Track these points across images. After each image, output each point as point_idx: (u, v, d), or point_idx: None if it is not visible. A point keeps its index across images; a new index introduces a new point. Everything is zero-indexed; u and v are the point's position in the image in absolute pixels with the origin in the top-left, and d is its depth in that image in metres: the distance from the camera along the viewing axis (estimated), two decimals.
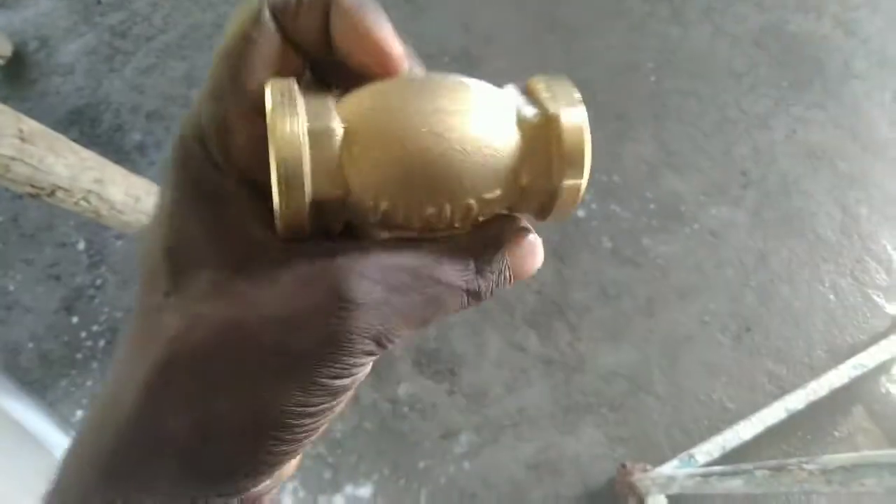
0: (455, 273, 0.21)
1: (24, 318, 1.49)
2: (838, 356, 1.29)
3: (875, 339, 1.30)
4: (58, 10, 1.81)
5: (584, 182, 0.22)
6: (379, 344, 0.20)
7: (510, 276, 0.23)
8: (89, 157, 0.95)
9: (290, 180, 0.19)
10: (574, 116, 0.21)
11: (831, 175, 1.47)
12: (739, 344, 1.33)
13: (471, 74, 0.22)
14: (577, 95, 0.22)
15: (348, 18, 0.21)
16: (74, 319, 1.48)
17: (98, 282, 1.50)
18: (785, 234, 1.42)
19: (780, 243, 1.41)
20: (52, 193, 0.91)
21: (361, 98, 0.21)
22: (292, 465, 0.24)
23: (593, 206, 1.45)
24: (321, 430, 0.21)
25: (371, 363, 0.21)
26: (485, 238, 0.22)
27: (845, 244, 1.40)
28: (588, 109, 0.22)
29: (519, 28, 1.65)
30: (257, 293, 0.19)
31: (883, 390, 1.29)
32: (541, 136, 0.21)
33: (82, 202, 0.94)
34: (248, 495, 0.21)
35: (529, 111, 0.22)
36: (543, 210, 0.23)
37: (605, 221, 1.44)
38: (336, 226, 0.22)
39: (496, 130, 0.21)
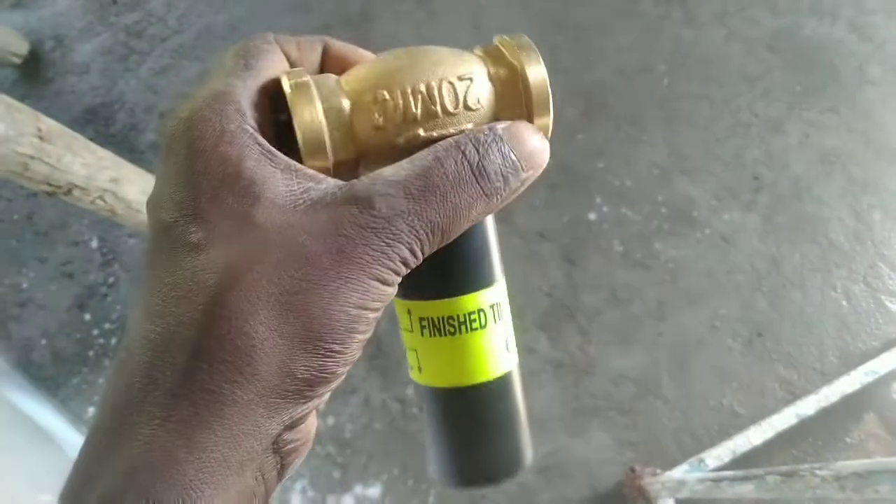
0: (455, 162, 0.23)
1: (37, 316, 1.51)
2: (850, 362, 1.28)
3: (888, 345, 1.29)
4: (74, 10, 1.82)
5: (551, 119, 0.27)
6: (412, 252, 0.22)
7: (517, 160, 0.24)
8: (106, 156, 0.96)
9: (315, 154, 0.24)
10: (538, 73, 0.26)
11: (844, 180, 1.46)
12: (750, 349, 1.33)
13: None
14: (536, 53, 0.26)
15: (340, 54, 0.28)
16: (87, 317, 1.49)
17: (111, 280, 1.52)
18: (797, 239, 1.41)
19: (793, 248, 1.40)
20: (68, 192, 0.91)
21: (358, 71, 0.26)
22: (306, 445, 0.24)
23: (604, 209, 1.45)
24: (364, 340, 0.22)
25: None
26: (476, 130, 0.24)
27: (858, 250, 1.39)
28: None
29: (529, 29, 1.64)
30: (297, 217, 0.21)
31: (895, 397, 1.28)
32: (512, 88, 0.26)
33: (98, 201, 0.95)
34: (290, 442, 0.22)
35: (501, 70, 0.26)
36: None
37: (616, 225, 1.44)
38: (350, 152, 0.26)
39: (471, 76, 0.26)
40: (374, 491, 1.26)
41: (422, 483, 1.26)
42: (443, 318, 0.27)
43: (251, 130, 0.23)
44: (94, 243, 1.55)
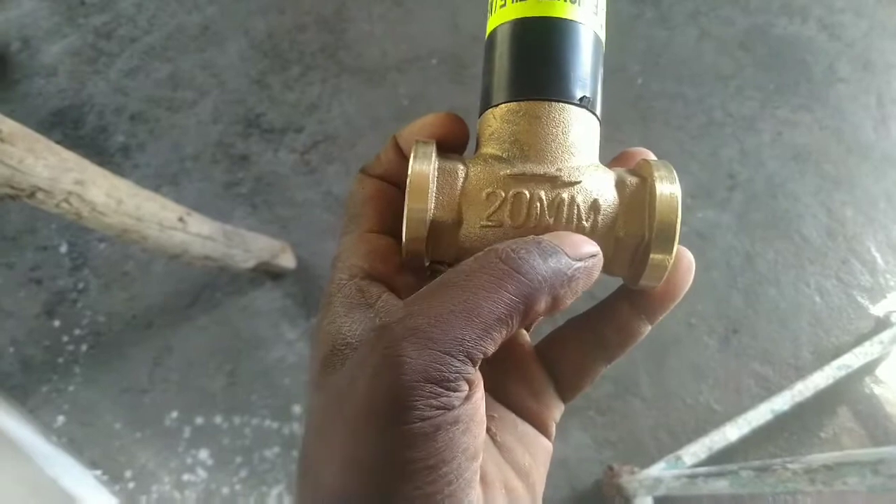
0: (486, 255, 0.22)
1: (5, 323, 1.47)
2: (824, 357, 1.30)
3: (859, 340, 1.31)
4: (40, 11, 1.79)
5: (672, 255, 0.25)
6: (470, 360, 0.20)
7: (558, 245, 0.23)
8: (70, 157, 0.93)
9: (415, 204, 0.23)
10: (669, 188, 0.24)
11: (817, 177, 1.47)
12: (726, 346, 1.33)
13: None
14: (675, 174, 0.25)
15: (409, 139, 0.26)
16: (56, 323, 1.46)
17: (80, 285, 1.49)
18: (771, 236, 1.42)
19: (767, 245, 1.41)
20: (32, 195, 0.89)
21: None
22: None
23: None
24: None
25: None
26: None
27: (830, 246, 1.41)
28: None
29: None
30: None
31: (867, 391, 1.30)
32: (638, 198, 0.25)
33: (63, 204, 0.93)
34: None
35: (631, 178, 0.25)
36: (635, 268, 0.26)
37: None
38: (449, 253, 0.25)
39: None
40: None
41: None
42: None
43: (345, 280, 0.24)
44: (64, 248, 1.52)
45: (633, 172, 0.26)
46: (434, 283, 0.21)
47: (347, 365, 0.21)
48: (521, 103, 0.25)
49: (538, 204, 0.24)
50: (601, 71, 0.27)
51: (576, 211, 0.24)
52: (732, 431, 1.17)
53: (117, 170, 1.11)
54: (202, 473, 1.32)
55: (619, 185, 0.25)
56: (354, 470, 0.20)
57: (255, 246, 1.30)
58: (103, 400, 1.39)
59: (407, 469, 0.19)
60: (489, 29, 0.27)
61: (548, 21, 0.25)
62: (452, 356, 0.19)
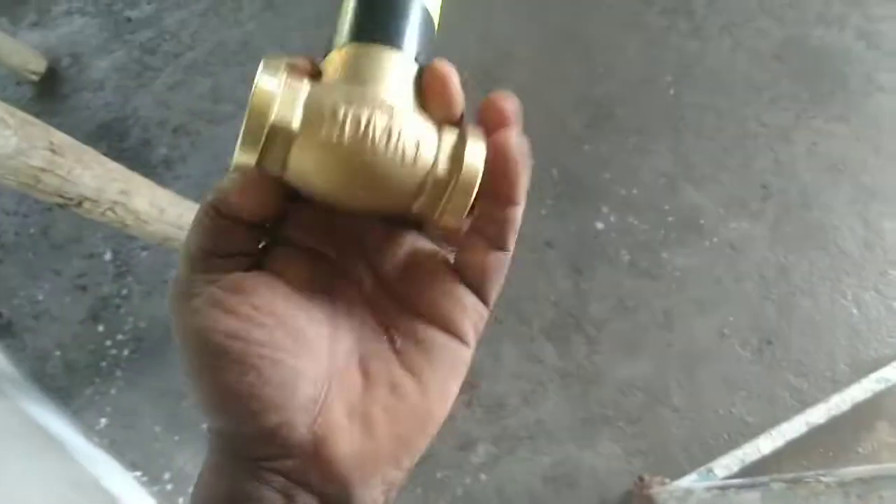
0: None
1: (51, 327, 1.53)
2: (861, 370, 1.27)
3: None
4: (90, 28, 1.86)
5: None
6: None
7: None
8: (115, 168, 0.98)
9: (257, 108, 0.25)
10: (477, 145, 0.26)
11: (853, 188, 1.45)
12: (760, 357, 1.32)
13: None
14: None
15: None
16: (100, 328, 1.51)
17: (124, 292, 1.54)
18: (806, 247, 1.40)
19: (801, 256, 1.39)
20: (79, 204, 0.93)
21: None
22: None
23: (612, 218, 1.45)
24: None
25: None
26: None
27: (868, 257, 1.38)
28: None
29: (537, 42, 1.66)
30: None
31: None
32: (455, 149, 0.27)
33: (108, 212, 0.97)
34: None
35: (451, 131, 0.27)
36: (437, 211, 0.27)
37: (623, 234, 1.44)
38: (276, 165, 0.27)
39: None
40: None
41: (430, 493, 1.26)
42: None
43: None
44: (108, 256, 1.58)
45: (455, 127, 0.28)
46: None
47: None
48: (365, 45, 0.28)
49: (373, 127, 0.25)
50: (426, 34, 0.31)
51: (403, 144, 0.26)
52: (766, 444, 1.15)
53: (160, 181, 1.15)
54: None
55: (442, 132, 0.27)
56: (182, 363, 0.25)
57: None
58: (144, 403, 1.44)
59: (191, 345, 0.24)
60: None
61: None
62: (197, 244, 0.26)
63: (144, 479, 1.37)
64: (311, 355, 0.25)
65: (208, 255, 0.26)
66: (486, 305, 0.28)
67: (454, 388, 0.28)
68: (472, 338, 0.28)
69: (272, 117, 0.25)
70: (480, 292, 0.28)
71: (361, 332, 0.27)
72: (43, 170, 0.84)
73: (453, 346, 0.27)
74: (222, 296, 0.24)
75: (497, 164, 0.26)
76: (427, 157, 0.26)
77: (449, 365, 0.27)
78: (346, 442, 0.24)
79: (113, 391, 1.46)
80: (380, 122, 0.25)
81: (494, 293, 0.28)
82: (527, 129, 0.27)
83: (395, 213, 0.27)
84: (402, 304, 0.28)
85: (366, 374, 0.26)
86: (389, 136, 0.25)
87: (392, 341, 0.27)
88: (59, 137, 0.88)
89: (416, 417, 0.26)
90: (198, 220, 0.26)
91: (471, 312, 0.28)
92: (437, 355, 0.27)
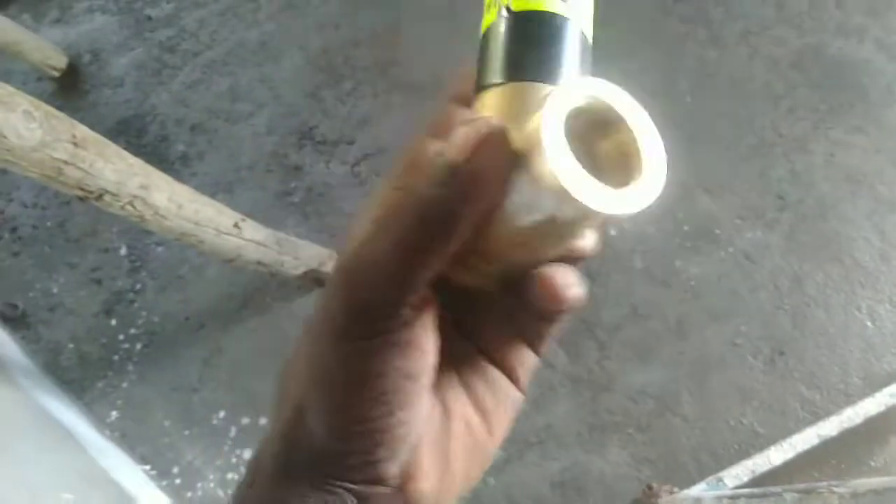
0: None
1: (66, 320, 1.55)
2: (875, 383, 1.26)
3: None
4: (110, 26, 1.89)
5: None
6: None
7: None
8: (136, 163, 0.99)
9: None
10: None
11: (870, 200, 1.44)
12: (772, 368, 1.31)
13: None
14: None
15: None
16: (113, 322, 1.53)
17: (138, 286, 1.55)
18: (821, 258, 1.39)
19: (816, 267, 1.38)
20: (99, 197, 0.94)
21: None
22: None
23: (626, 225, 1.45)
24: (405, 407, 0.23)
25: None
26: None
27: (884, 270, 1.37)
28: None
29: None
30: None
31: None
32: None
33: (128, 206, 0.98)
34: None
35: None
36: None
37: (637, 242, 1.44)
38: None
39: None
40: None
41: None
42: None
43: None
44: (123, 251, 1.59)
45: None
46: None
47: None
48: (521, 85, 0.26)
49: None
50: (586, 61, 0.29)
51: None
52: (777, 455, 1.15)
53: (176, 177, 1.16)
54: None
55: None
56: (308, 381, 0.24)
57: (304, 253, 1.34)
58: (155, 397, 1.45)
59: (350, 379, 0.23)
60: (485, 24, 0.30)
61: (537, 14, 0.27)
62: (386, 289, 0.22)
63: (153, 472, 1.38)
64: (427, 390, 0.25)
65: (400, 298, 0.23)
66: (539, 358, 0.29)
67: (507, 430, 0.29)
68: (526, 387, 0.29)
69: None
70: (540, 349, 0.29)
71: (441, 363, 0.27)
72: (66, 162, 0.85)
73: (513, 392, 0.28)
74: (400, 338, 0.23)
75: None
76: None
77: (509, 408, 0.28)
78: (429, 479, 0.25)
79: (125, 385, 1.47)
80: None
81: (543, 347, 0.29)
82: None
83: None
84: (474, 342, 0.28)
85: (444, 406, 0.26)
86: None
87: (459, 374, 0.28)
88: (82, 131, 0.89)
89: (482, 455, 0.27)
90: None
91: (530, 363, 0.29)
92: (502, 398, 0.28)
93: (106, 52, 1.85)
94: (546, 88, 0.26)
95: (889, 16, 1.62)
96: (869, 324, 1.33)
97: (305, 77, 1.72)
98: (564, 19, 0.28)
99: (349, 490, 0.23)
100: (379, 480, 0.24)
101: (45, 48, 1.76)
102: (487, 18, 0.29)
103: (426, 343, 0.24)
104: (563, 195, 0.21)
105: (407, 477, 0.24)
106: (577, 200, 0.21)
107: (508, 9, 0.28)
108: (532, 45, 0.27)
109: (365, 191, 1.57)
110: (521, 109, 0.25)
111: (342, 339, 0.23)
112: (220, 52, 1.80)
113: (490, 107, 0.27)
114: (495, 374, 0.28)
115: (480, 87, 0.28)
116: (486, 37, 0.29)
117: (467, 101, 0.28)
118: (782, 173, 1.48)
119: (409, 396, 0.23)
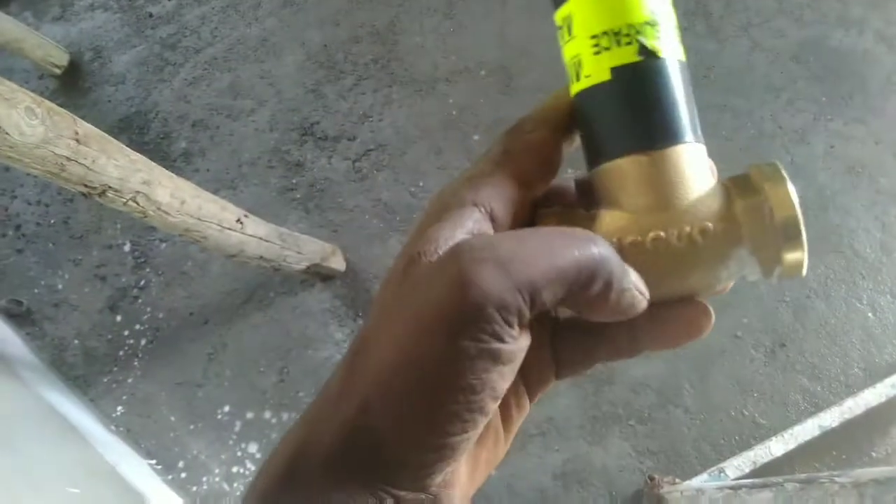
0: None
1: (71, 316, 1.55)
2: (876, 374, 1.27)
3: None
4: (112, 23, 1.89)
5: (805, 253, 0.24)
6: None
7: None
8: (138, 159, 0.99)
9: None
10: (786, 201, 0.24)
11: (871, 191, 1.44)
12: (773, 360, 1.32)
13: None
14: (784, 174, 0.25)
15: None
16: (118, 318, 1.53)
17: (142, 283, 1.56)
18: (822, 249, 1.40)
19: (817, 259, 1.39)
20: (102, 193, 0.95)
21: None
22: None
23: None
24: (483, 413, 0.22)
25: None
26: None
27: (885, 261, 1.38)
28: None
29: (553, 41, 1.65)
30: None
31: None
32: (758, 218, 0.25)
33: (131, 202, 0.98)
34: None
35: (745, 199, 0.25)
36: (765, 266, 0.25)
37: None
38: None
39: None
40: None
41: None
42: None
43: (470, 206, 0.26)
44: (127, 247, 1.60)
45: (737, 181, 0.27)
46: (523, 229, 0.24)
47: (427, 267, 0.24)
48: (650, 154, 0.25)
49: (665, 241, 0.25)
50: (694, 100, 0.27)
51: (690, 237, 0.25)
52: (778, 446, 1.15)
53: (179, 174, 1.17)
54: (251, 466, 1.36)
55: (729, 200, 0.26)
56: (401, 358, 0.22)
57: (307, 248, 1.35)
58: (160, 392, 1.46)
59: (441, 380, 0.21)
60: (578, 87, 0.27)
61: (646, 65, 0.25)
62: (520, 293, 0.21)
63: (159, 466, 1.39)
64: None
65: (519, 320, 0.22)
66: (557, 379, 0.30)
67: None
68: (537, 397, 0.30)
69: None
70: (561, 372, 0.29)
71: None
72: (68, 159, 0.86)
73: (528, 404, 0.29)
74: (508, 353, 0.22)
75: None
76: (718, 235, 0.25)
77: (519, 423, 0.29)
78: (462, 485, 0.25)
79: (130, 380, 1.48)
80: (673, 235, 0.25)
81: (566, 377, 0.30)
82: None
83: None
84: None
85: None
86: (679, 238, 0.25)
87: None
88: (85, 127, 0.90)
89: (496, 460, 0.28)
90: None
91: (549, 383, 0.29)
92: (522, 410, 0.29)
93: (107, 49, 1.86)
94: (674, 151, 0.25)
95: (889, 7, 1.62)
96: (870, 315, 1.34)
97: (306, 73, 1.72)
98: (675, 61, 0.26)
99: (395, 496, 0.23)
100: (425, 488, 0.23)
101: (46, 46, 1.77)
102: (594, 72, 0.26)
103: (518, 363, 0.23)
104: (796, 256, 0.24)
105: (445, 484, 0.24)
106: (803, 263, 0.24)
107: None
108: (651, 110, 0.26)
109: (366, 186, 1.57)
110: (656, 186, 0.25)
111: (451, 339, 0.21)
112: (222, 48, 1.81)
113: (622, 185, 0.26)
114: (521, 387, 0.29)
115: (595, 160, 0.26)
116: (589, 105, 0.27)
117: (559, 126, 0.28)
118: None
119: (486, 416, 0.23)
